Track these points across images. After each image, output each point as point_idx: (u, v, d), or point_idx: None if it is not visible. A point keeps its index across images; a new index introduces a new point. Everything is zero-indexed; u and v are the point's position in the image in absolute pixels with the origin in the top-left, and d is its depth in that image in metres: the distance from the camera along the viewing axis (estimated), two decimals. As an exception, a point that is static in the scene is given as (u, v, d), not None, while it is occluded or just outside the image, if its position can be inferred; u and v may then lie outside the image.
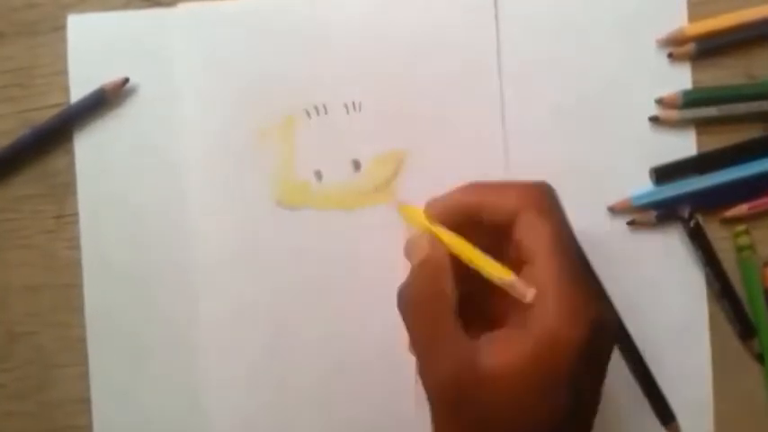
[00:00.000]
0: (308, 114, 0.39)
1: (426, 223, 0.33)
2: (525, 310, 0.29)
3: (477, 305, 0.32)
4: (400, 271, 0.33)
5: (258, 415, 0.39)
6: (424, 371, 0.31)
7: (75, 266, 0.40)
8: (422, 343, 0.31)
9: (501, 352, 0.29)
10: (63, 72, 0.40)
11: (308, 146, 0.40)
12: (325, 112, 0.40)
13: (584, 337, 0.28)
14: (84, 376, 0.39)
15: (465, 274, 0.31)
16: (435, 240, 0.32)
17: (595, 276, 0.36)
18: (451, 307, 0.31)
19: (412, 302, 0.32)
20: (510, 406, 0.29)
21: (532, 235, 0.30)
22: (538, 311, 0.29)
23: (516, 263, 0.31)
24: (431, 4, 0.40)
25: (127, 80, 0.39)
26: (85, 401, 0.39)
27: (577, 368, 0.29)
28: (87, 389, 0.39)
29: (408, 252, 0.34)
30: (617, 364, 0.40)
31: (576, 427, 0.31)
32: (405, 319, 0.32)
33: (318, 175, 0.40)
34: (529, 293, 0.29)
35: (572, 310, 0.29)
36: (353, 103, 0.40)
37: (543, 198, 0.31)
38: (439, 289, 0.31)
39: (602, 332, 0.29)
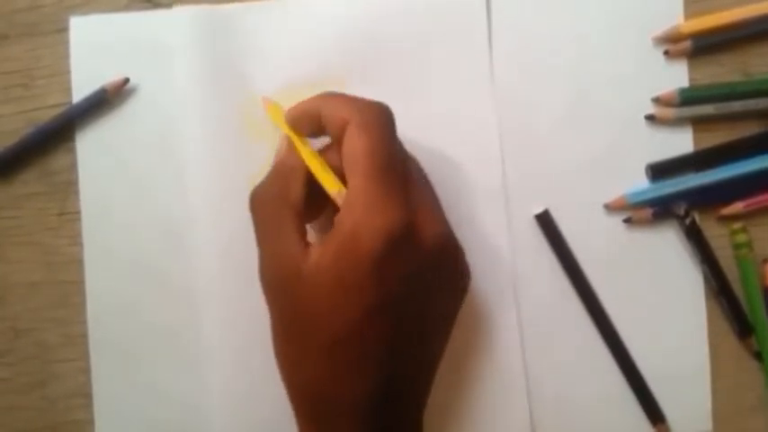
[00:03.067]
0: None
1: (285, 124, 0.35)
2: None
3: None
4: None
5: (258, 410, 0.40)
6: (260, 267, 0.34)
7: (77, 263, 0.40)
8: (262, 241, 0.34)
9: (316, 252, 0.31)
10: (65, 72, 0.40)
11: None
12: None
13: (382, 239, 0.30)
14: (85, 371, 0.40)
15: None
16: (292, 147, 0.34)
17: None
18: (294, 210, 0.33)
19: (259, 201, 0.34)
20: (322, 303, 0.31)
21: (351, 146, 0.32)
22: (345, 215, 0.31)
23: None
24: (423, 6, 0.40)
25: (128, 80, 0.40)
26: (87, 396, 0.40)
27: (380, 266, 0.30)
28: (88, 384, 0.40)
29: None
30: (607, 364, 0.40)
31: (407, 351, 0.32)
32: (252, 216, 0.34)
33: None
34: (340, 199, 0.32)
35: (372, 215, 0.30)
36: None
37: (369, 114, 0.32)
38: (285, 192, 0.33)
39: (409, 241, 0.31)
